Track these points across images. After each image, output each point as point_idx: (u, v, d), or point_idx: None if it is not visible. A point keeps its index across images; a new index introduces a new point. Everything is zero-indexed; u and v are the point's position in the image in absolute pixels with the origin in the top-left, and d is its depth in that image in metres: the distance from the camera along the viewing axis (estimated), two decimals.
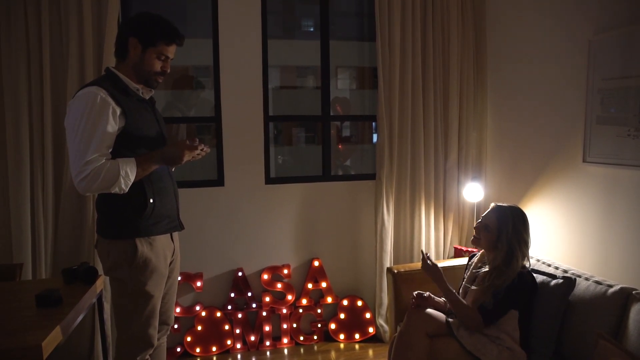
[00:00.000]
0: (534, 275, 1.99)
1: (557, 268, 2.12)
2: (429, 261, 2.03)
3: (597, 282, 1.87)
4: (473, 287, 1.96)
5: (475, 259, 2.13)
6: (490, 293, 1.88)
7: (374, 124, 3.46)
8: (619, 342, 1.64)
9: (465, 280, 2.13)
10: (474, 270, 2.07)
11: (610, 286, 1.80)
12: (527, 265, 1.99)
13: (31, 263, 2.43)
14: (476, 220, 2.96)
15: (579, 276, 1.96)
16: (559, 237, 2.35)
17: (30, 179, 2.42)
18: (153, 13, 1.72)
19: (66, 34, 2.41)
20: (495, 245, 1.97)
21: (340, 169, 3.45)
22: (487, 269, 1.97)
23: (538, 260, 2.24)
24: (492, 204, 2.06)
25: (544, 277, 1.99)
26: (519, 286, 1.87)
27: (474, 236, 2.05)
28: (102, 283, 2.04)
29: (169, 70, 1.77)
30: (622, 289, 1.76)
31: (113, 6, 2.44)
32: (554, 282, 1.94)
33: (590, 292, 1.85)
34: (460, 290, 2.12)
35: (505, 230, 1.94)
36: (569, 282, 1.90)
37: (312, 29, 3.52)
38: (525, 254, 1.96)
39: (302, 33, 3.60)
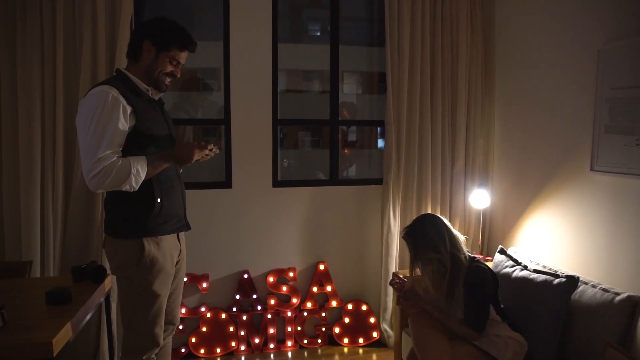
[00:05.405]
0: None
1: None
2: (403, 290, 2.05)
3: (604, 290, 1.87)
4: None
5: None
6: (452, 297, 1.90)
7: (379, 129, 3.46)
8: (626, 351, 1.63)
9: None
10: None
11: (618, 294, 1.80)
12: (467, 258, 1.95)
13: (39, 260, 2.45)
14: (481, 228, 2.96)
15: (586, 283, 1.96)
16: (566, 245, 2.35)
17: (41, 177, 2.45)
18: (169, 18, 1.76)
19: (80, 35, 2.45)
20: (441, 271, 1.94)
21: (347, 171, 3.45)
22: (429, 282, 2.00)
23: (544, 267, 2.24)
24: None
25: (547, 277, 2.01)
26: (480, 281, 1.88)
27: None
28: (111, 282, 2.06)
29: (178, 75, 1.81)
30: (629, 297, 1.76)
31: (126, 8, 2.47)
32: (556, 280, 1.95)
33: (597, 300, 1.85)
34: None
35: (426, 256, 1.95)
36: (572, 280, 1.91)
37: (318, 34, 3.54)
38: (454, 248, 1.94)
39: (309, 37, 3.61)
